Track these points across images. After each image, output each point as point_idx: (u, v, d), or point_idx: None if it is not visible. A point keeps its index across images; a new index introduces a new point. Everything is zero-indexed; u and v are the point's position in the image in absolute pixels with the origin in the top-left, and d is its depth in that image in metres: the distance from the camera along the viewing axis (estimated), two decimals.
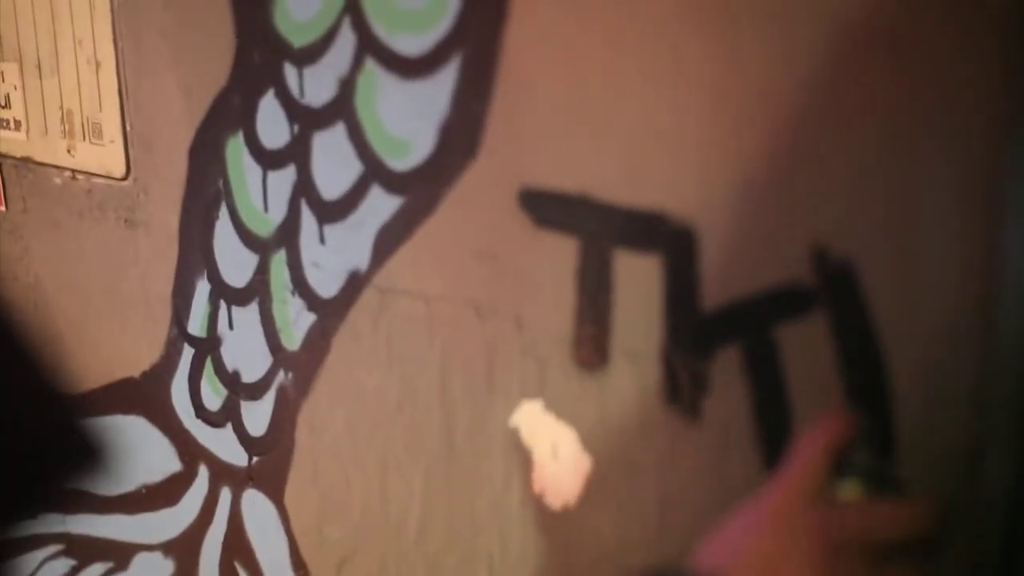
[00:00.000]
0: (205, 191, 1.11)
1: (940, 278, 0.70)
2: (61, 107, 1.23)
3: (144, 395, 1.24)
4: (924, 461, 0.73)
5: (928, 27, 0.68)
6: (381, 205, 0.97)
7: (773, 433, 0.79)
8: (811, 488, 0.69)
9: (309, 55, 0.99)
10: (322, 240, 1.02)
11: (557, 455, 0.91)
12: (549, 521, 0.92)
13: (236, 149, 1.07)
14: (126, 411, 1.26)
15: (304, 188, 1.02)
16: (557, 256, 0.87)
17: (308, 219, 1.02)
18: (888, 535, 0.67)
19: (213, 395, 1.17)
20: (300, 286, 1.05)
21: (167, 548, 1.27)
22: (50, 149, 1.26)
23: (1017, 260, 0.67)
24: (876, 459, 0.72)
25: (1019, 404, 0.69)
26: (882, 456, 0.74)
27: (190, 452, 1.21)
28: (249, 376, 1.12)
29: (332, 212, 1.00)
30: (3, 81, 1.28)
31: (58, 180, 1.26)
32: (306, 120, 1.00)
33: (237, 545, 1.19)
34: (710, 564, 0.68)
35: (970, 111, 0.68)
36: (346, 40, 0.96)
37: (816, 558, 0.66)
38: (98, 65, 1.17)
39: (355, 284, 1.00)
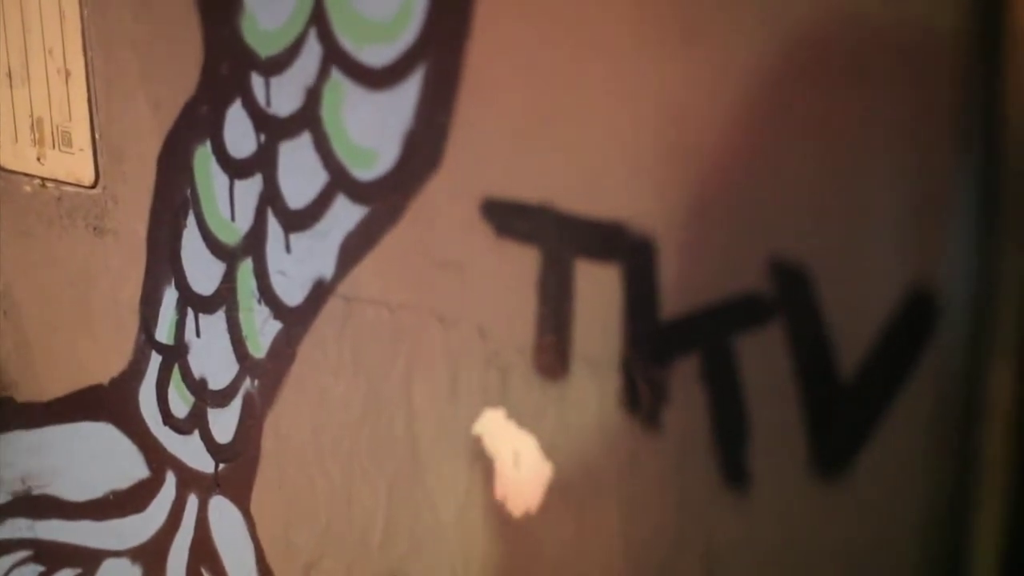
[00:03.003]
0: (173, 199, 1.11)
1: (889, 285, 0.71)
2: (31, 115, 1.23)
3: (112, 402, 1.24)
4: (879, 462, 0.74)
5: (882, 45, 0.69)
6: (346, 214, 0.97)
7: (731, 440, 0.80)
8: None
9: (276, 65, 0.99)
10: (288, 249, 1.02)
11: (519, 463, 0.92)
12: (511, 528, 0.93)
13: (204, 158, 1.07)
14: (94, 418, 1.26)
15: (270, 197, 1.03)
16: (519, 265, 0.88)
17: (274, 228, 1.03)
18: None
19: (180, 402, 1.17)
20: (266, 294, 1.05)
21: (135, 554, 1.27)
22: (20, 157, 1.26)
23: (961, 264, 0.68)
24: None
25: (961, 409, 0.70)
26: None
27: (158, 459, 1.21)
28: (216, 383, 1.13)
29: (298, 221, 1.01)
30: None
31: (28, 188, 1.26)
32: (272, 129, 1.01)
33: (204, 551, 1.20)
34: None
35: (921, 127, 0.69)
36: (312, 50, 0.96)
37: None
38: (68, 74, 1.18)
39: (320, 292, 1.01)
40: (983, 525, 0.70)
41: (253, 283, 1.06)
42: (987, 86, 0.67)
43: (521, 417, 0.91)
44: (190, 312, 1.13)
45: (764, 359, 0.77)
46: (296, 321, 1.04)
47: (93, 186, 1.19)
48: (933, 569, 0.72)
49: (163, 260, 1.14)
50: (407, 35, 0.90)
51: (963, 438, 0.70)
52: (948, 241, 0.69)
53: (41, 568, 1.38)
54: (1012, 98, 0.66)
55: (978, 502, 0.70)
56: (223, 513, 1.16)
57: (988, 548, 0.71)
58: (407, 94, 0.91)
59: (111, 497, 1.28)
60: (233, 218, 1.06)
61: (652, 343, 0.83)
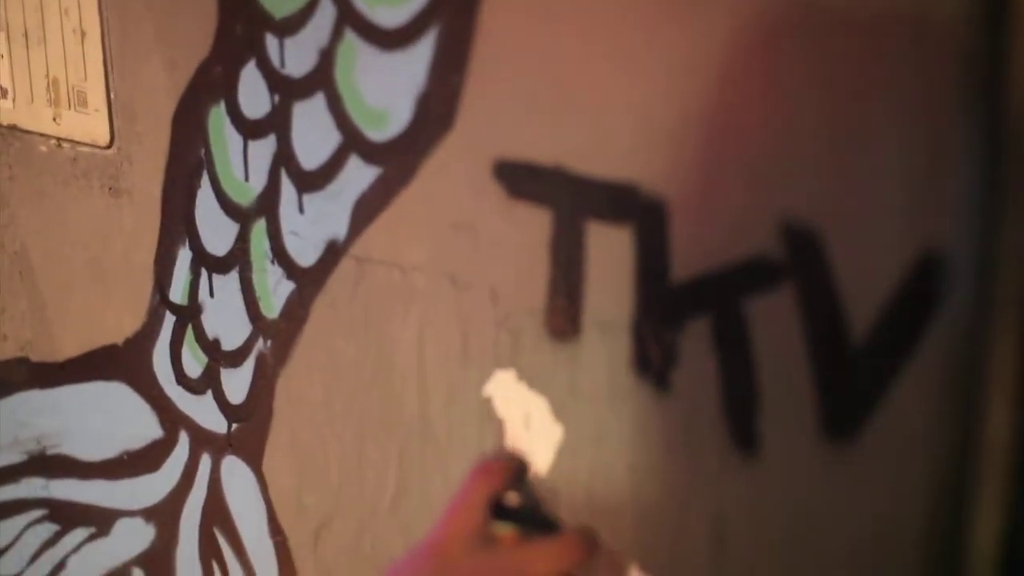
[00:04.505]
0: (187, 160, 1.12)
1: (900, 249, 0.71)
2: (47, 75, 1.23)
3: (126, 362, 1.24)
4: (888, 428, 0.74)
5: (892, 13, 0.69)
6: (359, 175, 0.98)
7: (741, 404, 0.80)
8: (468, 533, 0.73)
9: (290, 26, 0.99)
10: (301, 209, 1.02)
11: (529, 424, 0.92)
12: None
13: (218, 119, 1.08)
14: (108, 378, 1.27)
15: (284, 157, 1.03)
16: (531, 227, 0.88)
17: (288, 188, 1.03)
18: (541, 571, 0.70)
19: (194, 362, 1.18)
20: (279, 255, 1.05)
21: (148, 514, 1.28)
22: (36, 117, 1.26)
23: (968, 230, 0.68)
24: (528, 499, 0.75)
25: (966, 376, 0.70)
26: (534, 496, 0.76)
27: (171, 419, 1.22)
28: (229, 344, 1.13)
29: (311, 181, 1.01)
30: None
31: (44, 148, 1.26)
32: (286, 90, 1.01)
33: (217, 511, 1.20)
34: None
35: (929, 94, 0.68)
36: (326, 11, 0.96)
37: None
38: (83, 35, 1.18)
39: (333, 253, 1.01)
40: (986, 490, 0.70)
41: (266, 243, 1.06)
42: (992, 60, 0.67)
43: (532, 379, 0.91)
44: (204, 272, 1.13)
45: (775, 322, 0.77)
46: (309, 282, 1.04)
47: (108, 146, 1.19)
48: (938, 532, 0.72)
49: (177, 220, 1.14)
50: None
51: (968, 405, 0.70)
52: (955, 206, 0.68)
53: (55, 527, 1.39)
54: (1017, 68, 0.66)
55: (981, 469, 0.70)
56: (236, 473, 1.17)
57: (991, 512, 0.71)
58: (420, 55, 0.91)
59: (125, 457, 1.28)
60: (247, 178, 1.06)
61: (663, 306, 0.83)
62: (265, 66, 1.02)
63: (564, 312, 0.88)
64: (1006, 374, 0.69)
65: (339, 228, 1.00)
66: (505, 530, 0.75)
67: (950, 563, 0.72)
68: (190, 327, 1.17)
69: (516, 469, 0.77)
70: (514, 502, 0.76)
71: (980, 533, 0.71)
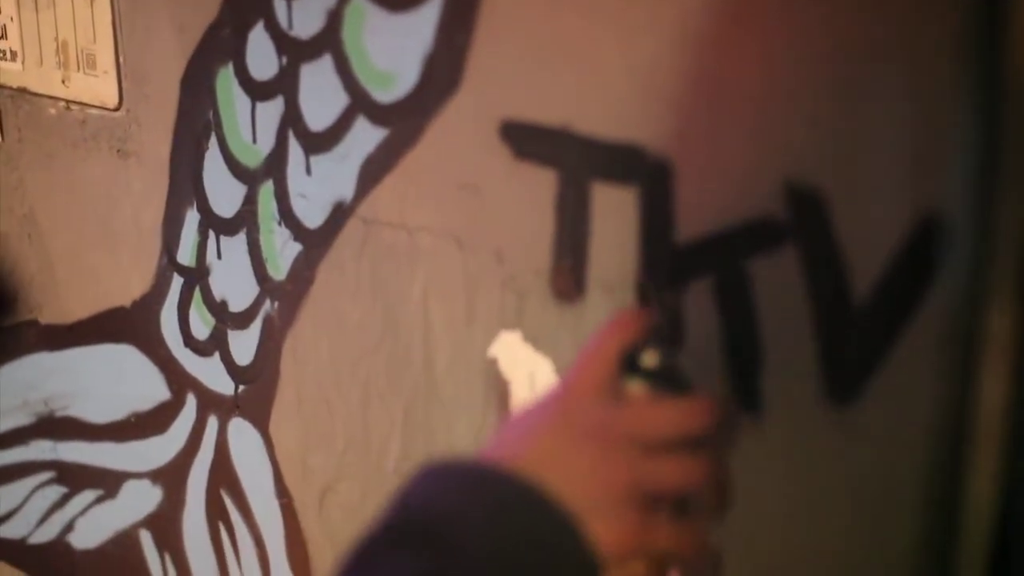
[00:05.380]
0: (195, 122, 1.12)
1: (901, 209, 0.71)
2: (56, 38, 1.24)
3: (134, 324, 1.25)
4: (888, 389, 0.74)
5: None
6: (366, 136, 0.98)
7: (744, 364, 0.81)
8: (597, 385, 0.71)
9: None
10: (308, 171, 1.03)
11: (534, 385, 0.92)
12: None
13: (226, 81, 1.08)
14: (116, 340, 1.27)
15: (291, 119, 1.03)
16: (537, 188, 0.88)
17: (295, 150, 1.03)
18: (668, 431, 0.69)
19: (201, 324, 1.18)
20: (286, 216, 1.06)
21: (155, 475, 1.29)
22: (45, 80, 1.26)
23: (967, 190, 0.69)
24: (664, 357, 0.73)
25: (963, 339, 0.70)
26: (670, 354, 0.75)
27: (178, 381, 1.23)
28: (236, 305, 1.14)
29: (318, 143, 1.01)
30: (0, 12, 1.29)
31: (53, 111, 1.27)
32: (294, 52, 1.01)
33: (223, 473, 1.21)
34: (496, 455, 0.69)
35: (929, 50, 0.69)
36: None
37: (595, 453, 0.68)
38: None
39: (340, 215, 1.02)
40: (982, 449, 0.71)
41: (274, 205, 1.07)
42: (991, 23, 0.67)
43: (537, 340, 0.92)
44: (211, 234, 1.14)
45: (778, 283, 0.78)
46: (316, 243, 1.04)
47: (117, 108, 1.19)
48: (936, 491, 0.73)
49: (185, 182, 1.15)
50: None
51: (965, 366, 0.70)
52: (956, 170, 0.69)
53: (64, 489, 1.39)
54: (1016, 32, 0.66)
55: (978, 428, 0.71)
56: (242, 435, 1.18)
57: (987, 471, 0.71)
58: (427, 17, 0.91)
59: (133, 419, 1.29)
60: (255, 140, 1.07)
61: (667, 266, 0.83)
62: (273, 28, 1.02)
63: (569, 273, 0.88)
64: (1003, 335, 0.69)
65: (346, 190, 1.00)
66: (636, 386, 0.74)
67: (948, 522, 0.73)
68: (198, 289, 1.17)
69: (651, 324, 0.75)
70: (648, 359, 0.74)
71: (976, 492, 0.72)
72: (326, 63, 0.99)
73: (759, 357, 0.80)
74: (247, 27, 1.05)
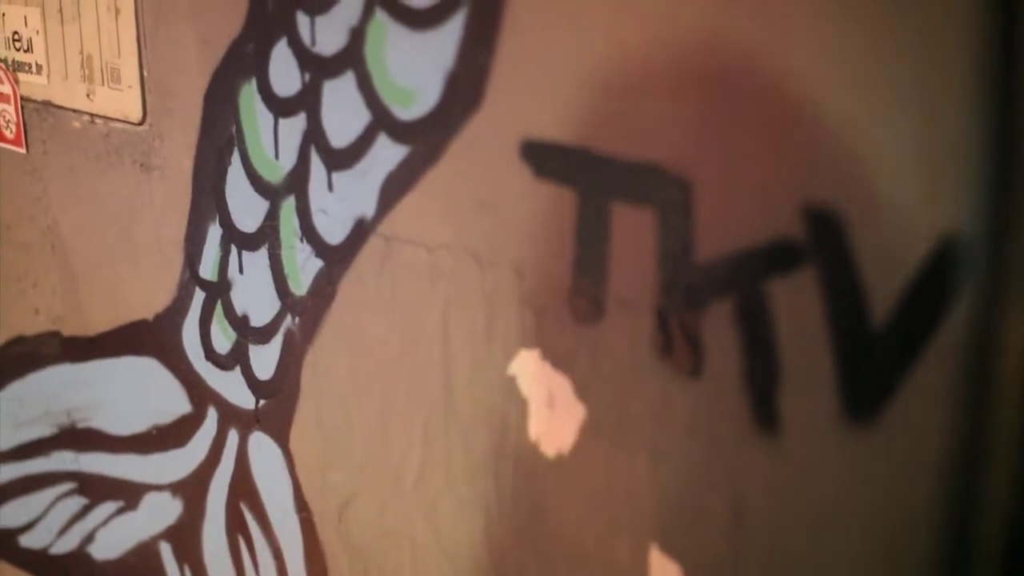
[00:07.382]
0: (218, 137, 1.12)
1: (921, 233, 0.71)
2: (81, 52, 1.24)
3: (156, 337, 1.26)
4: (907, 411, 0.74)
5: None
6: (387, 154, 0.98)
7: (762, 385, 0.81)
8: None
9: (321, 4, 1.00)
10: (330, 187, 1.03)
11: (552, 404, 0.92)
12: (543, 469, 0.94)
13: (249, 96, 1.08)
14: (138, 352, 1.28)
15: (314, 136, 1.03)
16: (556, 207, 0.88)
17: (317, 166, 1.04)
18: None
19: (223, 338, 1.18)
20: (308, 232, 1.06)
21: (176, 488, 1.29)
22: (70, 93, 1.27)
23: (985, 211, 0.69)
24: None
25: (982, 356, 0.70)
26: None
27: (200, 394, 1.23)
28: (258, 320, 1.14)
29: (340, 160, 1.02)
30: (26, 26, 1.30)
31: (77, 124, 1.27)
32: (317, 69, 1.02)
33: (244, 486, 1.21)
34: None
35: (946, 71, 0.69)
36: None
37: None
38: (117, 11, 1.19)
39: (361, 231, 1.02)
40: (998, 475, 0.71)
41: (296, 221, 1.07)
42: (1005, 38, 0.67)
43: (555, 358, 0.92)
44: (233, 249, 1.14)
45: (797, 304, 0.78)
46: (337, 259, 1.05)
47: (141, 123, 1.20)
48: (952, 515, 0.73)
49: (208, 197, 1.15)
50: None
51: (982, 389, 0.70)
52: (972, 189, 0.69)
53: (84, 500, 1.40)
54: None
55: (992, 452, 0.71)
56: (263, 449, 1.18)
57: (1002, 496, 0.71)
58: (449, 34, 0.91)
59: (154, 432, 1.29)
60: (277, 156, 1.07)
61: (686, 287, 0.83)
62: (296, 44, 1.03)
63: (588, 292, 0.88)
64: (1016, 356, 0.69)
65: (367, 207, 1.01)
66: None
67: (964, 542, 0.73)
68: (219, 303, 1.18)
69: None
70: None
71: (992, 514, 0.71)
72: (348, 80, 0.99)
73: (778, 378, 0.80)
74: (270, 43, 1.05)
